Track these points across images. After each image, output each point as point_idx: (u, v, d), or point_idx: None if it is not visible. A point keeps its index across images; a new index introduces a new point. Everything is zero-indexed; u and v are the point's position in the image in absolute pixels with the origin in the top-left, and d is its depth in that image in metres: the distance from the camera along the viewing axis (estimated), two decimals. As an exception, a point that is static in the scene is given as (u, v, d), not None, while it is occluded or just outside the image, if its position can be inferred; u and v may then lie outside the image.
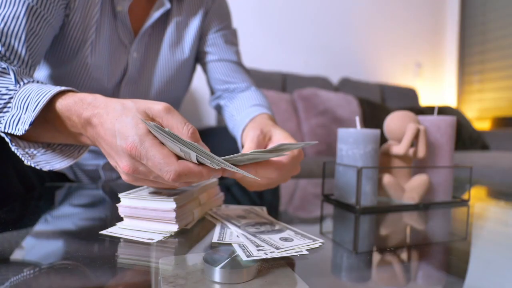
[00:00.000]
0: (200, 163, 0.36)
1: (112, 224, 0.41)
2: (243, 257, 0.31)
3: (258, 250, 0.33)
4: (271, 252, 0.33)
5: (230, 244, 0.35)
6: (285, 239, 0.37)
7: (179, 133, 0.37)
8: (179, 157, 0.35)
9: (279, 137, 0.50)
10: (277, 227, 0.41)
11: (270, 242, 0.36)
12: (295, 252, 0.33)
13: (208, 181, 0.51)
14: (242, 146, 0.67)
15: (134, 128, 0.35)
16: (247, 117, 0.68)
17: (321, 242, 0.37)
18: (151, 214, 0.39)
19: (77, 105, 0.41)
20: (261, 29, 2.39)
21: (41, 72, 0.71)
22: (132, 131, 0.35)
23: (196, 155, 0.33)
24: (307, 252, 0.34)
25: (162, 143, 0.35)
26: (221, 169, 0.37)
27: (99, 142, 0.40)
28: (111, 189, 0.69)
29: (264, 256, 0.31)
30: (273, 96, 2.00)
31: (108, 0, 0.67)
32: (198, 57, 0.84)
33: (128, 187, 0.64)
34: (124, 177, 0.39)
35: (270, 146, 0.49)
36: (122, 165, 0.36)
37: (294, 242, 0.36)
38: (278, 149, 0.41)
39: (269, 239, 0.37)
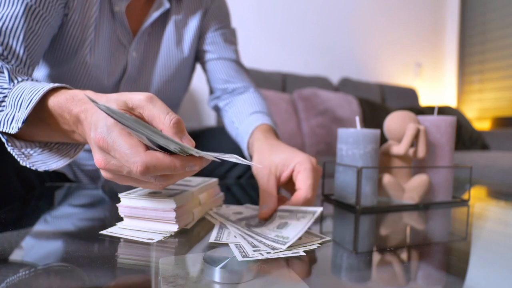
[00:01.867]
0: (173, 153, 0.32)
1: (112, 224, 0.41)
2: (239, 257, 0.31)
3: (254, 251, 0.33)
4: (267, 252, 0.33)
5: (227, 244, 0.35)
6: (285, 224, 0.38)
7: (161, 123, 0.33)
8: (149, 148, 0.32)
9: (284, 162, 0.50)
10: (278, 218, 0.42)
11: (268, 236, 0.36)
12: (292, 253, 0.33)
13: (208, 181, 0.51)
14: (251, 157, 0.68)
15: (104, 119, 0.32)
16: (248, 127, 0.69)
17: (328, 239, 0.37)
18: (151, 214, 0.39)
19: (68, 102, 0.40)
20: (261, 29, 2.38)
21: (40, 71, 0.71)
22: (102, 121, 0.32)
23: (147, 138, 0.29)
24: (303, 253, 0.34)
25: (131, 134, 0.32)
26: (198, 159, 0.33)
27: (86, 139, 0.39)
28: (111, 189, 0.69)
29: (260, 257, 0.31)
30: (273, 96, 2.00)
31: (107, 0, 0.67)
32: (198, 56, 0.84)
33: (128, 187, 0.64)
34: (103, 174, 0.36)
35: (284, 174, 0.49)
36: (95, 159, 0.34)
37: (295, 226, 0.37)
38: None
39: (267, 230, 0.37)
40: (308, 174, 0.47)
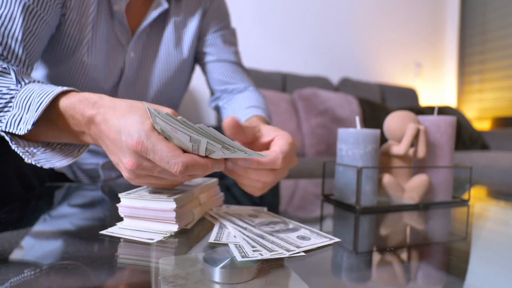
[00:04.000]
0: (205, 156, 0.37)
1: (112, 224, 0.41)
2: (238, 257, 0.31)
3: (253, 251, 0.33)
4: (266, 252, 0.32)
5: (226, 245, 0.35)
6: (303, 238, 0.38)
7: None
8: (184, 151, 0.36)
9: (268, 130, 0.48)
10: (291, 226, 0.42)
11: (289, 241, 0.36)
12: (292, 253, 0.33)
13: (208, 181, 0.51)
14: None
15: (140, 125, 0.35)
16: (242, 119, 0.70)
17: (337, 240, 0.37)
18: (151, 214, 0.39)
19: (82, 103, 0.41)
20: (261, 29, 2.39)
21: (38, 71, 0.71)
22: (138, 127, 0.35)
23: (207, 141, 0.34)
24: (303, 254, 0.33)
25: (167, 139, 0.36)
26: (223, 160, 0.38)
27: (102, 140, 0.40)
28: (111, 189, 0.69)
29: (259, 257, 0.31)
30: (273, 96, 2.00)
31: None
32: (197, 57, 0.84)
33: (128, 187, 0.64)
34: (126, 174, 0.39)
35: (262, 140, 0.48)
36: (125, 161, 0.37)
37: (312, 240, 0.37)
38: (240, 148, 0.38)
39: (287, 238, 0.37)
40: (286, 143, 0.44)
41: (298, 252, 0.33)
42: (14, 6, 0.54)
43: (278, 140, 0.46)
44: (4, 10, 0.53)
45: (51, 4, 0.59)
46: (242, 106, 0.76)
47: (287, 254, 0.33)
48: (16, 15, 0.54)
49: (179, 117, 0.33)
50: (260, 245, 0.34)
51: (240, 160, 0.42)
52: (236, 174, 0.44)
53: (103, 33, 0.68)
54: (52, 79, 0.70)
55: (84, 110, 0.41)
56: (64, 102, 0.43)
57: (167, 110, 0.38)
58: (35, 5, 0.56)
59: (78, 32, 0.65)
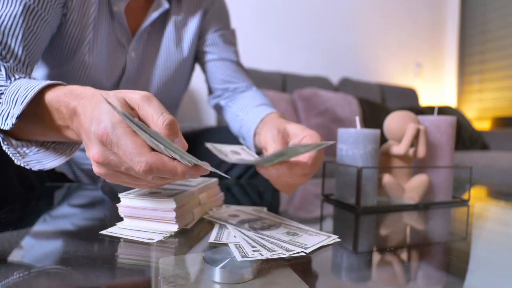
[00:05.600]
0: (175, 159, 0.33)
1: (112, 224, 0.41)
2: (238, 257, 0.31)
3: (253, 251, 0.33)
4: (266, 252, 0.32)
5: (226, 245, 0.35)
6: (296, 235, 0.38)
7: (154, 123, 0.34)
8: (153, 150, 0.33)
9: (295, 131, 0.49)
10: (286, 225, 0.42)
11: (286, 240, 0.36)
12: (291, 253, 0.33)
13: (208, 181, 0.51)
14: (255, 147, 0.68)
15: (109, 115, 0.33)
16: (257, 117, 0.68)
17: (337, 238, 0.37)
18: (151, 214, 0.39)
19: (66, 96, 0.40)
20: (261, 29, 2.39)
21: (40, 71, 0.71)
22: (106, 117, 0.33)
23: (165, 148, 0.31)
24: (304, 254, 0.33)
25: (136, 133, 0.33)
26: (197, 168, 0.34)
27: (80, 133, 0.38)
28: (111, 189, 0.69)
29: (259, 257, 0.31)
30: (273, 96, 2.00)
31: (105, 0, 0.67)
32: (197, 57, 0.84)
33: (128, 187, 0.64)
34: (95, 168, 0.36)
35: (291, 142, 0.48)
36: (92, 153, 0.34)
37: (312, 240, 0.37)
38: (296, 150, 0.39)
39: (283, 237, 0.37)
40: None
41: (298, 252, 0.33)
42: (15, 6, 0.54)
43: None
44: (5, 10, 0.53)
45: (52, 4, 0.59)
46: (252, 104, 0.75)
47: (287, 254, 0.33)
48: (17, 14, 0.54)
49: (135, 119, 0.31)
50: (260, 245, 0.34)
51: (271, 168, 0.41)
52: (270, 178, 0.44)
53: (104, 34, 0.68)
54: (53, 79, 0.70)
55: (68, 103, 0.39)
56: (49, 96, 0.41)
57: (138, 94, 0.35)
58: (36, 5, 0.56)
59: (79, 32, 0.65)
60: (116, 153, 0.33)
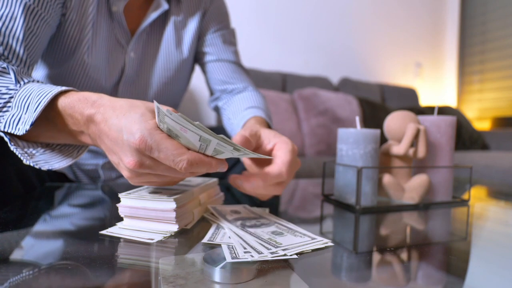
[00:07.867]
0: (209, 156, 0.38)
1: (112, 224, 0.41)
2: (228, 258, 0.30)
3: (245, 252, 0.32)
4: (257, 254, 0.32)
5: (219, 245, 0.35)
6: (280, 234, 0.38)
7: None
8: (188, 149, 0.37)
9: (267, 135, 0.50)
10: (274, 223, 0.42)
11: (261, 237, 0.36)
12: (281, 256, 0.32)
13: (208, 181, 0.51)
14: None
15: (142, 123, 0.35)
16: (241, 121, 0.70)
17: (329, 242, 0.37)
18: (151, 214, 0.39)
19: (81, 102, 0.41)
20: (261, 29, 2.39)
21: (39, 72, 0.71)
22: (140, 125, 0.35)
23: (218, 142, 0.35)
24: (296, 256, 0.33)
25: (170, 137, 0.36)
26: (225, 161, 0.39)
27: (101, 139, 0.40)
28: (111, 189, 0.69)
29: (250, 259, 0.31)
30: (273, 96, 2.00)
31: (104, 0, 0.67)
32: (197, 57, 0.84)
33: (128, 187, 0.64)
34: (126, 173, 0.38)
35: (263, 147, 0.49)
36: (127, 161, 0.36)
37: (285, 238, 0.37)
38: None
39: (261, 233, 0.38)
40: (287, 152, 0.46)
41: (292, 254, 0.33)
42: (15, 6, 0.54)
43: (278, 151, 0.47)
44: (5, 10, 0.53)
45: (51, 4, 0.59)
46: (241, 107, 0.76)
47: (278, 256, 0.32)
48: (17, 15, 0.54)
49: (197, 122, 0.34)
50: (251, 247, 0.34)
51: (246, 183, 0.44)
52: (245, 190, 0.45)
53: (103, 34, 0.68)
54: (52, 79, 0.70)
55: (83, 109, 0.41)
56: (63, 102, 0.43)
57: (167, 108, 0.38)
58: (36, 5, 0.56)
59: (78, 32, 0.65)
60: (152, 158, 0.36)
